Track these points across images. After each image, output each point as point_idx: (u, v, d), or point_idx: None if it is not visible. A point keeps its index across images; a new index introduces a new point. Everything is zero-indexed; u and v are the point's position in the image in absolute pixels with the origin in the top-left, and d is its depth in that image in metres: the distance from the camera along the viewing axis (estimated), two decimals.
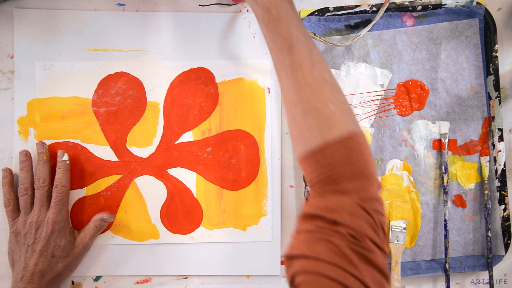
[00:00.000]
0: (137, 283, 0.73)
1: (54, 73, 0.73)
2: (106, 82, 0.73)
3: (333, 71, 0.73)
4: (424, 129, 0.73)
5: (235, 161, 0.73)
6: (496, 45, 0.72)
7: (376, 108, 0.73)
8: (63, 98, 0.73)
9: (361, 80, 0.73)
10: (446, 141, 0.72)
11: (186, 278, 0.73)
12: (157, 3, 0.75)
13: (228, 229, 0.73)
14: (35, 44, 0.73)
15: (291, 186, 0.74)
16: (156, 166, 0.73)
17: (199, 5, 0.75)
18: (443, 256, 0.72)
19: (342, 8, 0.72)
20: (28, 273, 0.65)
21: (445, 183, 0.71)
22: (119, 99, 0.73)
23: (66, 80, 0.73)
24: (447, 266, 0.71)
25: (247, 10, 0.75)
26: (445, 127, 0.72)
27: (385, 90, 0.73)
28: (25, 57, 0.73)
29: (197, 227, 0.72)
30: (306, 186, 0.71)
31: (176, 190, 0.73)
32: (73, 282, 0.72)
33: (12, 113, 0.73)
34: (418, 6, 0.72)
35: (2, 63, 0.73)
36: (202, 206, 0.73)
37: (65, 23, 0.73)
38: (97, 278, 0.72)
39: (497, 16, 0.74)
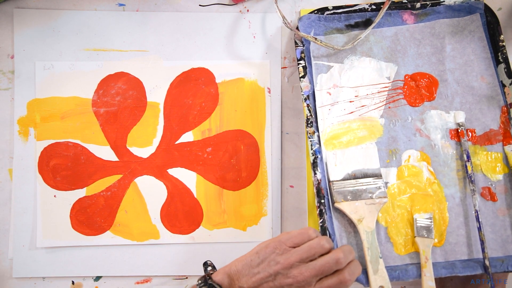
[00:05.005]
0: (137, 283, 0.73)
1: (54, 73, 0.73)
2: (106, 82, 0.73)
3: (336, 64, 0.72)
4: (439, 119, 0.71)
5: (235, 161, 0.73)
6: (502, 35, 0.71)
7: (385, 99, 0.72)
8: (63, 98, 0.73)
9: (366, 73, 0.72)
10: (464, 129, 0.70)
11: (186, 278, 0.73)
12: (157, 3, 0.75)
13: (228, 229, 0.72)
14: (35, 44, 0.73)
15: (291, 186, 0.74)
16: (156, 166, 0.73)
17: (199, 5, 0.75)
18: (481, 256, 0.66)
19: (341, 6, 0.72)
20: None
21: (469, 172, 0.68)
22: (119, 99, 0.73)
23: (66, 80, 0.73)
24: (486, 262, 0.64)
25: (247, 10, 0.75)
26: (460, 116, 0.70)
27: (392, 81, 0.72)
28: (25, 57, 0.73)
29: (197, 227, 0.72)
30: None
31: (176, 190, 0.73)
32: (73, 282, 0.72)
33: (12, 113, 0.73)
34: (416, 4, 0.72)
35: (2, 63, 0.73)
36: (202, 206, 0.73)
37: (65, 23, 0.74)
38: (97, 278, 0.72)
39: (497, 16, 0.73)
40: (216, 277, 0.58)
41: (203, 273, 0.71)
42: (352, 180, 0.68)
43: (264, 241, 0.59)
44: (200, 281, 0.59)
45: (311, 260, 0.57)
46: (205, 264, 0.62)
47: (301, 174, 0.73)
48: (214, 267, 0.62)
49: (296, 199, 0.73)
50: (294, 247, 0.58)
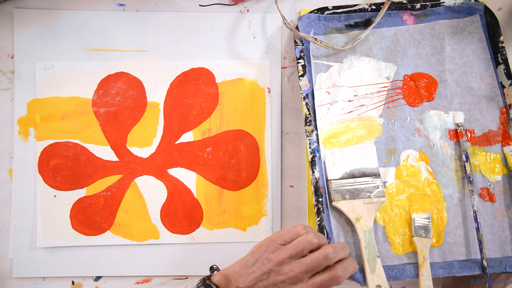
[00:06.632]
0: (137, 283, 0.73)
1: (54, 73, 0.73)
2: (106, 82, 0.73)
3: (335, 64, 0.73)
4: (438, 119, 0.71)
5: (235, 161, 0.73)
6: (501, 37, 0.71)
7: (384, 98, 0.72)
8: (63, 98, 0.73)
9: (365, 73, 0.72)
10: (463, 129, 0.70)
11: (186, 278, 0.73)
12: (157, 3, 0.75)
13: (228, 229, 0.73)
14: (35, 44, 0.73)
15: (291, 186, 0.74)
16: (156, 166, 0.73)
17: (199, 5, 0.75)
18: (479, 256, 0.66)
19: (341, 6, 0.72)
20: None
21: (468, 172, 0.68)
22: (119, 99, 0.73)
23: (66, 80, 0.73)
24: (484, 262, 0.64)
25: (247, 10, 0.75)
26: (459, 116, 0.70)
27: (391, 81, 0.72)
28: (25, 57, 0.73)
29: (197, 227, 0.72)
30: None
31: (176, 190, 0.73)
32: (73, 282, 0.72)
33: (12, 113, 0.73)
34: (416, 4, 0.72)
35: (2, 63, 0.73)
36: (202, 206, 0.73)
37: (65, 23, 0.74)
38: (97, 278, 0.72)
39: (497, 16, 0.74)
40: (215, 278, 0.59)
41: (202, 274, 0.71)
42: (350, 179, 0.68)
43: (259, 242, 0.60)
44: (199, 282, 0.59)
45: (303, 257, 0.58)
46: (211, 268, 0.63)
47: (301, 174, 0.74)
48: (219, 271, 0.62)
49: (296, 199, 0.74)
50: (285, 245, 0.58)
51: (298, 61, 0.71)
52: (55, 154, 0.72)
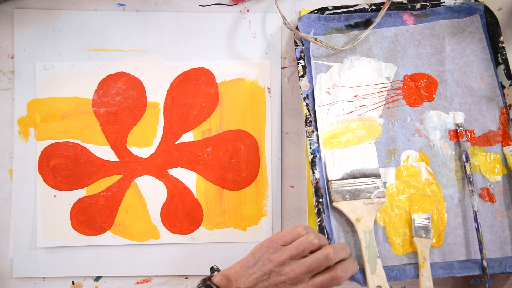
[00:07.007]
0: (137, 283, 0.73)
1: (54, 73, 0.73)
2: (106, 82, 0.73)
3: (336, 64, 0.73)
4: (438, 120, 0.71)
5: (235, 161, 0.73)
6: (501, 37, 0.71)
7: (384, 99, 0.72)
8: (63, 98, 0.73)
9: (365, 73, 0.72)
10: (463, 130, 0.70)
11: (186, 278, 0.73)
12: (157, 3, 0.75)
13: (228, 229, 0.73)
14: (35, 44, 0.73)
15: (291, 186, 0.74)
16: (156, 166, 0.73)
17: (199, 5, 0.75)
18: (479, 257, 0.66)
19: (341, 6, 0.72)
20: None
21: (468, 172, 0.68)
22: (119, 99, 0.73)
23: (66, 80, 0.73)
24: (484, 263, 0.64)
25: (247, 10, 0.75)
26: (459, 117, 0.71)
27: (391, 82, 0.72)
28: (25, 57, 0.73)
29: (197, 227, 0.72)
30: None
31: (176, 190, 0.73)
32: (73, 282, 0.72)
33: (12, 113, 0.73)
34: (416, 4, 0.72)
35: (2, 63, 0.73)
36: (202, 206, 0.73)
37: (65, 23, 0.74)
38: (97, 278, 0.72)
39: (497, 16, 0.74)
40: (215, 279, 0.59)
41: (203, 274, 0.71)
42: (350, 180, 0.68)
43: (260, 242, 0.60)
44: (199, 283, 0.59)
45: (303, 257, 0.58)
46: (212, 269, 0.63)
47: (301, 174, 0.74)
48: (219, 271, 0.62)
49: (296, 199, 0.74)
50: (286, 245, 0.58)
51: (298, 61, 0.71)
52: (55, 154, 0.72)
